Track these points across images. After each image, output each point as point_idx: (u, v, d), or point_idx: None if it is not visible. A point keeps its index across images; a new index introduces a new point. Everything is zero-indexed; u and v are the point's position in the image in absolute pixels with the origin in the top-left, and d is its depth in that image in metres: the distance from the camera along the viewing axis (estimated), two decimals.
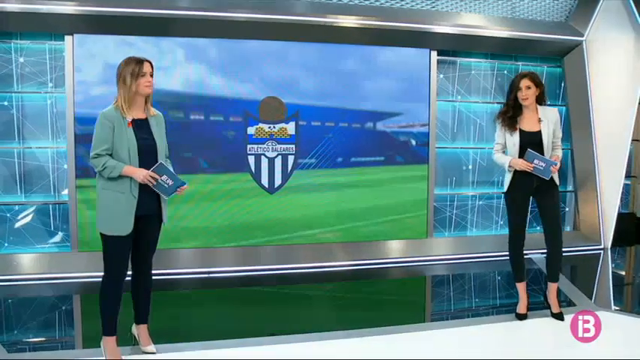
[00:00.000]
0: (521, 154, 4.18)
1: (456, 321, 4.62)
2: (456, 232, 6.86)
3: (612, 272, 6.34)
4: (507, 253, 4.48)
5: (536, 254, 6.58)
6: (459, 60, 6.77)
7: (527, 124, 4.26)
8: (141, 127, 3.51)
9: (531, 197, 4.37)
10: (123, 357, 3.58)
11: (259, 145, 6.08)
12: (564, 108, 7.17)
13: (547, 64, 7.12)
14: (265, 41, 6.02)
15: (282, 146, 6.14)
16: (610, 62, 6.82)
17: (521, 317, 4.40)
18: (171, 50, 5.84)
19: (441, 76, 6.67)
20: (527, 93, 4.19)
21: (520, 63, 7.00)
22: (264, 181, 6.13)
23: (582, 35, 6.75)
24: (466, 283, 5.94)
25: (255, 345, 3.88)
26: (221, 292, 5.53)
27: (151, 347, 3.70)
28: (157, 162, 3.47)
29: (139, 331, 3.73)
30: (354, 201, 6.42)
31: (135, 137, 3.44)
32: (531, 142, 4.19)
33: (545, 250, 4.48)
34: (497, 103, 6.90)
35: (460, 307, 5.10)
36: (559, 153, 4.30)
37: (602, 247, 6.95)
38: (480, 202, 6.94)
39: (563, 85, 7.16)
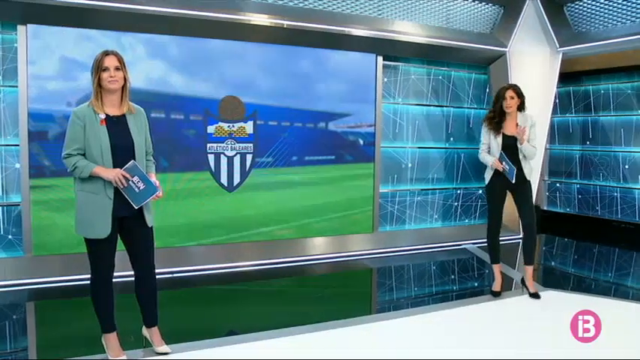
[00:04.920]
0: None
1: (434, 305, 4.98)
2: (397, 226, 7.31)
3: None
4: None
5: (469, 244, 7.25)
6: (400, 65, 7.21)
7: (508, 128, 4.90)
8: (117, 124, 3.38)
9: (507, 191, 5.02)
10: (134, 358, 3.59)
11: (219, 144, 6.10)
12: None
13: (475, 71, 7.79)
14: (226, 41, 6.06)
15: (241, 145, 6.20)
16: (529, 71, 7.56)
17: (496, 294, 5.01)
18: (131, 46, 5.67)
19: (385, 79, 7.07)
20: (510, 102, 4.83)
21: (452, 69, 7.60)
22: (224, 179, 6.16)
23: (505, 46, 7.44)
24: (415, 271, 6.37)
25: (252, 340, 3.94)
26: (186, 292, 5.49)
27: (165, 347, 3.66)
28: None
29: (151, 333, 3.67)
30: (307, 198, 6.64)
31: (108, 135, 3.32)
32: (510, 144, 4.84)
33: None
34: (433, 105, 7.47)
35: (423, 294, 5.48)
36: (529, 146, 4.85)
37: (520, 236, 7.71)
38: (418, 198, 7.44)
39: (487, 90, 7.86)
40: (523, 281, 5.11)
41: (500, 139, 4.85)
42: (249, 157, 6.25)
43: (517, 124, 4.87)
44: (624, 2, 6.94)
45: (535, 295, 4.96)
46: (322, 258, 6.53)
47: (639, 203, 8.41)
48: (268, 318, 4.68)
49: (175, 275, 5.72)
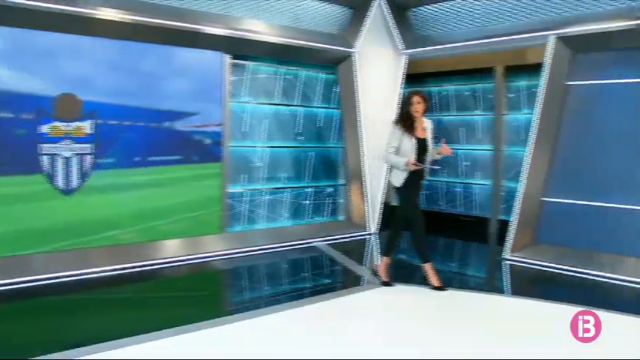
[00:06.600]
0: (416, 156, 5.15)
1: (285, 304, 4.98)
2: (248, 225, 7.29)
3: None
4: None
5: (319, 242, 7.39)
6: (249, 64, 7.17)
7: (417, 132, 5.23)
8: None
9: None
10: None
11: (54, 145, 5.73)
12: (338, 111, 8.07)
13: (325, 71, 7.93)
14: (62, 34, 5.69)
15: (79, 145, 5.87)
16: (375, 72, 7.86)
17: (441, 289, 5.33)
18: None
19: (233, 78, 7.00)
20: (417, 107, 5.17)
21: (302, 69, 7.69)
22: (60, 182, 5.79)
23: (353, 47, 7.65)
24: (266, 270, 6.39)
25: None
26: (22, 304, 5.05)
27: None
28: None
29: None
30: (152, 200, 6.43)
31: None
32: (421, 146, 5.20)
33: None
34: (283, 105, 7.51)
35: (275, 293, 5.48)
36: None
37: (370, 232, 8.03)
38: (269, 197, 7.46)
39: (336, 90, 8.04)
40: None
41: (414, 140, 5.15)
42: (88, 159, 5.93)
43: (424, 128, 5.25)
44: (463, 9, 7.36)
45: (441, 288, 5.27)
46: (171, 261, 6.32)
47: (477, 197, 9.05)
48: (117, 325, 4.46)
49: (15, 287, 5.27)
